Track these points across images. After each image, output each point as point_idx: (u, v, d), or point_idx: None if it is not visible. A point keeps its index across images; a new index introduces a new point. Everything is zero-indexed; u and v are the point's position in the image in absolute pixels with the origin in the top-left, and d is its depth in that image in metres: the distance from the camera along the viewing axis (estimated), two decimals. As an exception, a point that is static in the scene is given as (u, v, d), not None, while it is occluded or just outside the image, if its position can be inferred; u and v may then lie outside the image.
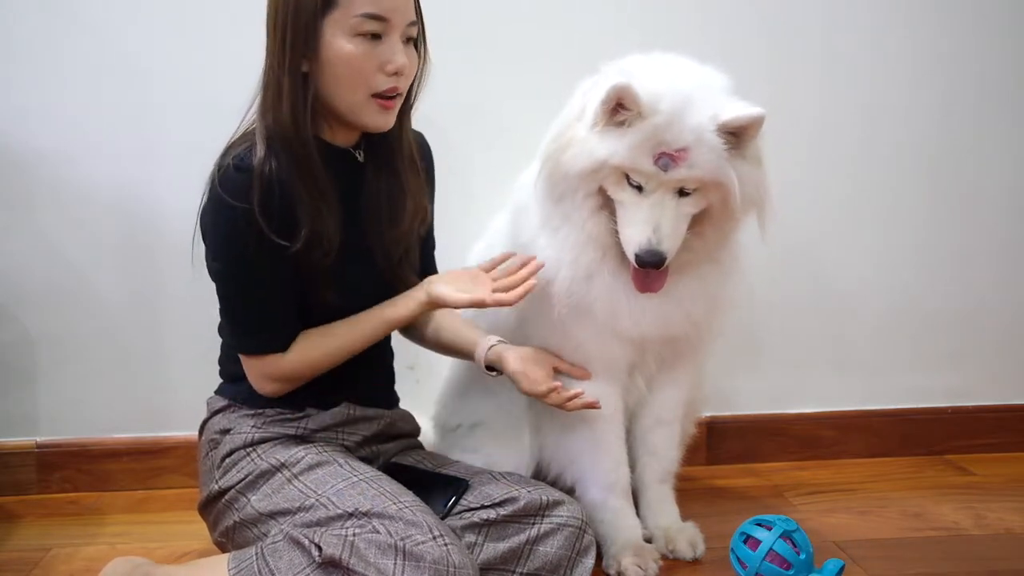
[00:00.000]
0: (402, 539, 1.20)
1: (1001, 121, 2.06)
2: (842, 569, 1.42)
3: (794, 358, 2.09)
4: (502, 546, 1.34)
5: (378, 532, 1.21)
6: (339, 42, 1.30)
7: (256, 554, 1.27)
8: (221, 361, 1.51)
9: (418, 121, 1.50)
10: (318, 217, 1.33)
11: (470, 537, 1.33)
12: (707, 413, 1.96)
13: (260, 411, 1.43)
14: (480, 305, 1.41)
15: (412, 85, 1.41)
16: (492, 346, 1.50)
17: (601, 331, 1.48)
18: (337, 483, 1.31)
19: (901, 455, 2.10)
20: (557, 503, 1.38)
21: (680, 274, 1.46)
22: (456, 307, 1.46)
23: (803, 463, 2.07)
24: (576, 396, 1.45)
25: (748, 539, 1.45)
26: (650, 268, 1.37)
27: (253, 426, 1.41)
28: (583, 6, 1.91)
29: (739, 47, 1.92)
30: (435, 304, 1.45)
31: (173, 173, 1.83)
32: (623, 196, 1.38)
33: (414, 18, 1.35)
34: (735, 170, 1.34)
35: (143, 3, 1.84)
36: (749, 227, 1.57)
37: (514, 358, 1.47)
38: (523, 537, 1.35)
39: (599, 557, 1.50)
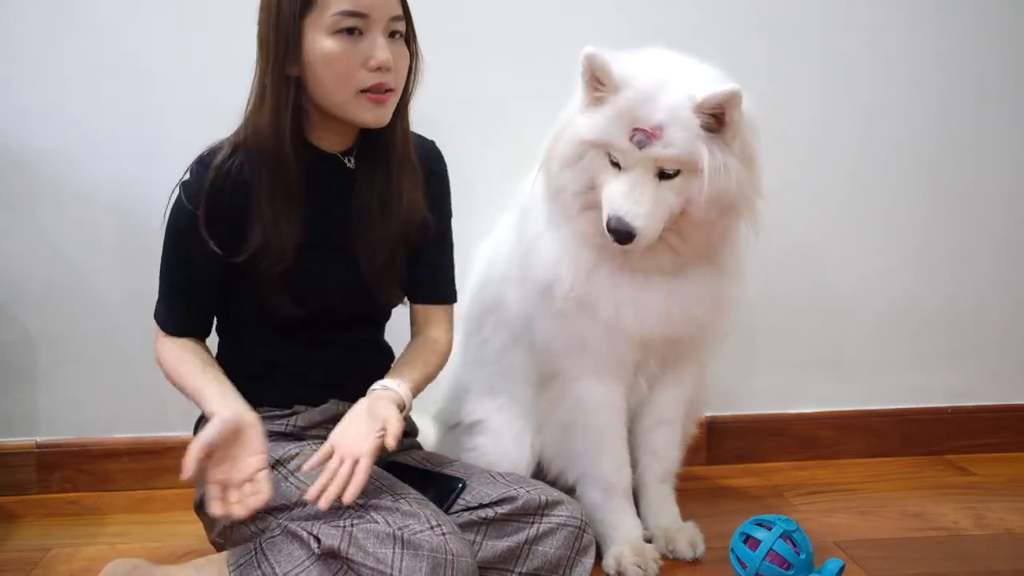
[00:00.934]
0: (400, 528, 1.21)
1: (1001, 121, 2.06)
2: (842, 569, 1.42)
3: (794, 358, 2.09)
4: (501, 545, 1.34)
5: (376, 522, 1.22)
6: (319, 42, 1.30)
7: (254, 549, 1.27)
8: (216, 360, 1.51)
9: (420, 121, 1.50)
10: (272, 226, 1.33)
11: (469, 536, 1.33)
12: (707, 413, 1.95)
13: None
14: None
15: (408, 81, 1.40)
16: (373, 390, 1.38)
17: (606, 330, 1.48)
18: None
19: (901, 455, 2.10)
20: (556, 503, 1.38)
21: (682, 276, 1.46)
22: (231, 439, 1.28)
23: (803, 463, 2.07)
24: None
25: (748, 539, 1.45)
26: (616, 240, 1.36)
27: None
28: (583, 6, 1.91)
29: (739, 47, 1.92)
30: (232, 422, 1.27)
31: (173, 173, 1.81)
32: (606, 178, 1.38)
33: (397, 12, 1.33)
34: (714, 156, 1.33)
35: (143, 3, 1.84)
36: (749, 228, 1.57)
37: (345, 420, 1.32)
38: (522, 536, 1.35)
39: (599, 557, 1.50)
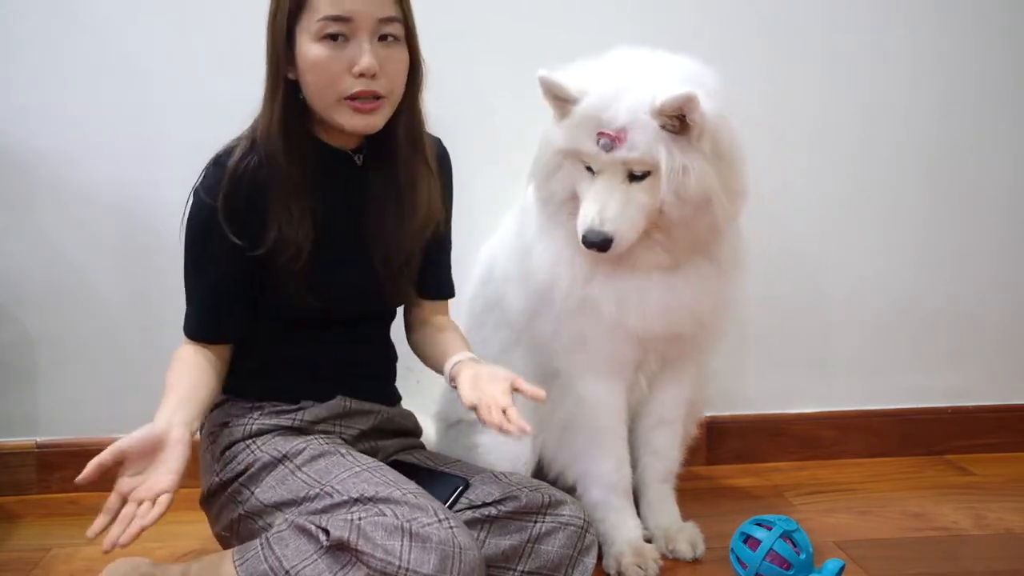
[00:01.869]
0: (408, 521, 1.21)
1: (1001, 121, 2.06)
2: (842, 569, 1.42)
3: (794, 358, 2.09)
4: (504, 542, 1.34)
5: (384, 515, 1.22)
6: (307, 48, 1.30)
7: (262, 544, 1.27)
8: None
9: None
10: (287, 223, 1.34)
11: (472, 533, 1.33)
12: (707, 413, 1.95)
13: (257, 404, 1.43)
14: None
15: (410, 83, 1.39)
16: (458, 362, 1.43)
17: (608, 328, 1.48)
18: (341, 472, 1.32)
19: (901, 455, 2.10)
20: (559, 502, 1.38)
21: (680, 272, 1.47)
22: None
23: (803, 463, 2.07)
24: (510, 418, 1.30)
25: (748, 539, 1.45)
26: (597, 250, 1.39)
27: (251, 419, 1.41)
28: (583, 6, 1.91)
29: (739, 47, 1.92)
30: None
31: (173, 173, 1.81)
32: (584, 184, 1.42)
33: (388, 14, 1.31)
34: (672, 157, 1.34)
35: (143, 3, 1.84)
36: (749, 228, 1.58)
37: (467, 376, 1.38)
38: (525, 535, 1.35)
39: (599, 557, 1.50)
